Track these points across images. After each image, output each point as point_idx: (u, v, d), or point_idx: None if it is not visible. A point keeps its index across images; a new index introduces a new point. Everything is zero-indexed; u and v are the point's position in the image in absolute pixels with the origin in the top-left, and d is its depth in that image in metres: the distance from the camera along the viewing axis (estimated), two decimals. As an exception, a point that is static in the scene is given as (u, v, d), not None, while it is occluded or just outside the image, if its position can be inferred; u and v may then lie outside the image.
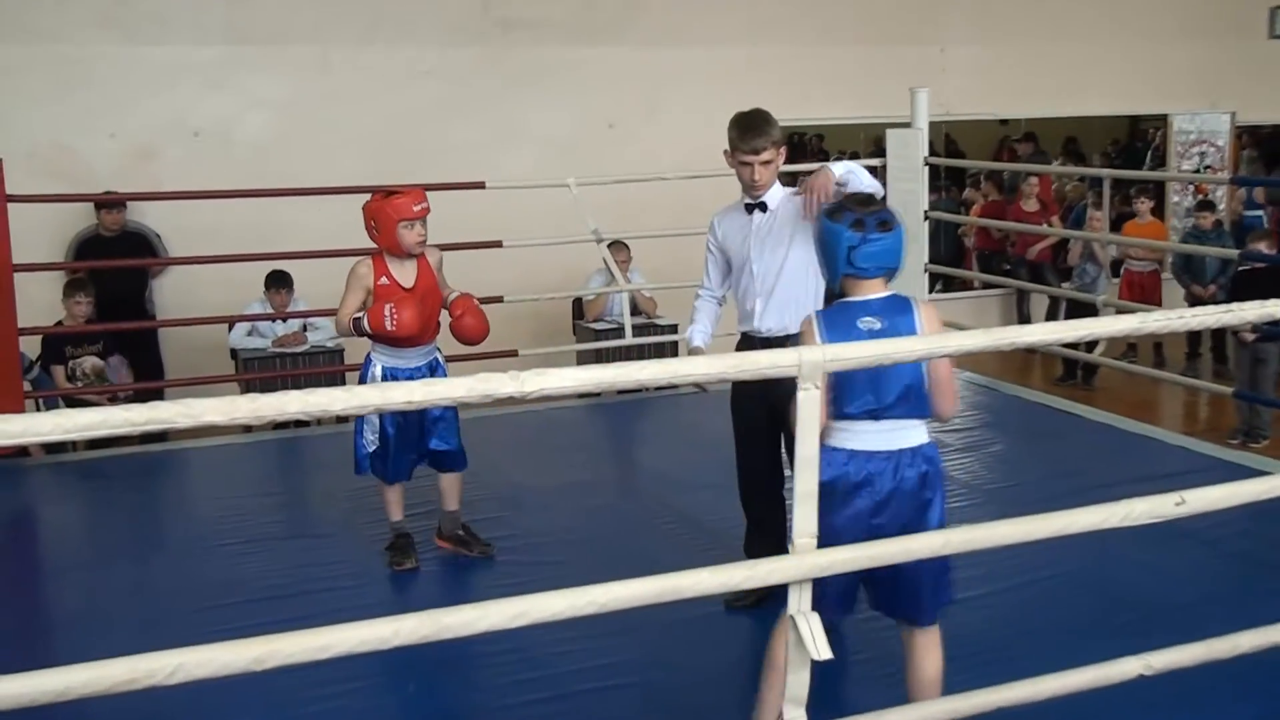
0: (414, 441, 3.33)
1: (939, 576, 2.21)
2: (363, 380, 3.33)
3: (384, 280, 3.22)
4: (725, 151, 3.04)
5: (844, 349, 1.86)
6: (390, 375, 3.24)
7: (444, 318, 3.40)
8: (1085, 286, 7.18)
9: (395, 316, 3.09)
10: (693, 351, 3.13)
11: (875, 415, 2.15)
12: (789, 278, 2.97)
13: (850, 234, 2.16)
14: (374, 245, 3.29)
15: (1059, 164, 10.18)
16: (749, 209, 3.04)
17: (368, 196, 3.33)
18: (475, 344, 3.40)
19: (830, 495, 2.09)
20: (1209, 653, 2.20)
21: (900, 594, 2.23)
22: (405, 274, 3.25)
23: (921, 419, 2.21)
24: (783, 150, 3.02)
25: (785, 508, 3.06)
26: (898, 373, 2.14)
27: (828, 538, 1.91)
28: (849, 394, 2.16)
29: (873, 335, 2.13)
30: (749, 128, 2.99)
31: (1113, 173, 6.14)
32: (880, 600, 2.30)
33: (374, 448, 3.31)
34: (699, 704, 2.61)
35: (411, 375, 3.22)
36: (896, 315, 2.17)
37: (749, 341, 3.05)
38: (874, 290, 2.20)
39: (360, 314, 3.18)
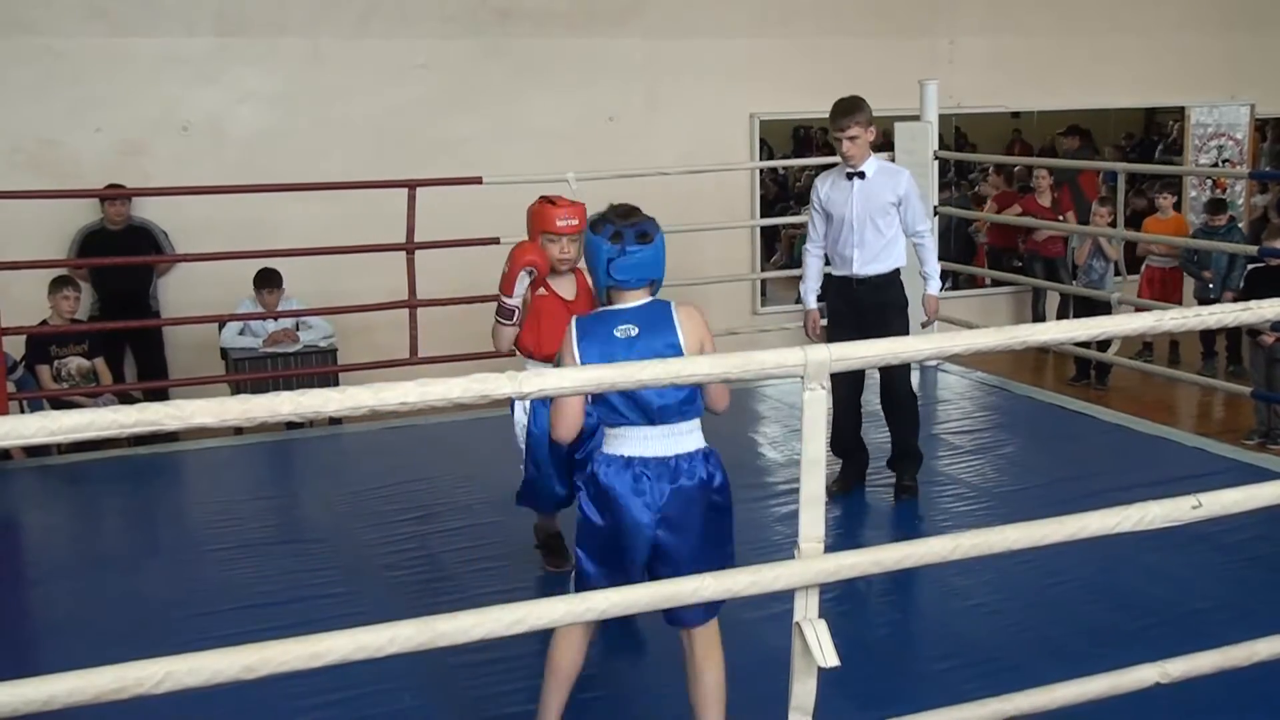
0: (564, 467, 3.06)
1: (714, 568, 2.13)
2: (512, 407, 3.09)
3: (542, 291, 3.04)
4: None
5: (851, 348, 1.82)
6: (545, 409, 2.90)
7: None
8: (1093, 284, 7.10)
9: (510, 261, 2.92)
10: (808, 313, 4.04)
11: (651, 420, 2.14)
12: (880, 231, 3.78)
13: (609, 247, 2.20)
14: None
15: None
16: (849, 176, 3.81)
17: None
18: None
19: (608, 501, 2.15)
20: (1226, 660, 2.15)
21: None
22: (564, 287, 3.07)
23: (696, 422, 2.20)
24: (871, 129, 3.78)
25: (865, 447, 4.00)
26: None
27: (608, 544, 2.12)
28: (620, 399, 2.13)
29: (629, 342, 2.16)
30: (836, 111, 3.78)
31: (1128, 166, 6.07)
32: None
33: (529, 475, 3.11)
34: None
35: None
36: (653, 320, 2.20)
37: (845, 283, 3.86)
38: (635, 299, 2.24)
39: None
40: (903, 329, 3.83)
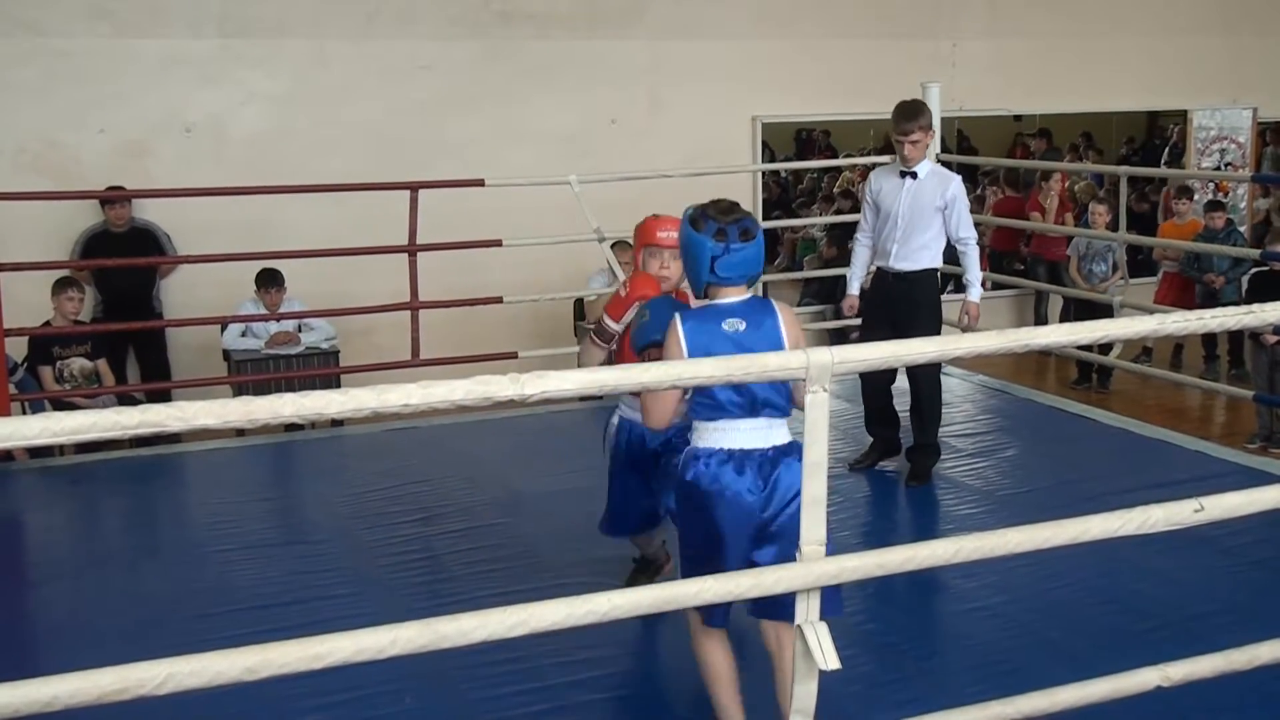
0: (642, 490, 2.93)
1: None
2: (605, 434, 3.03)
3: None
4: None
5: (852, 350, 1.82)
6: (627, 428, 2.90)
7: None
8: (1095, 288, 7.10)
9: (627, 286, 2.79)
10: (847, 296, 4.28)
11: (755, 413, 2.20)
12: (921, 231, 3.94)
13: (713, 244, 2.22)
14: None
15: (1069, 161, 10.07)
16: (903, 175, 4.00)
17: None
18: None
19: (710, 496, 2.18)
20: (1228, 664, 2.15)
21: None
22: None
23: (785, 416, 2.25)
24: (930, 133, 4.03)
25: (898, 425, 4.17)
26: None
27: (711, 543, 2.15)
28: (727, 393, 2.18)
29: (737, 336, 2.20)
30: (901, 115, 3.94)
31: (1129, 170, 6.06)
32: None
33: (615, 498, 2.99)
34: (703, 714, 2.57)
35: (647, 435, 2.80)
36: (760, 317, 2.24)
37: (882, 275, 4.06)
38: (735, 294, 2.27)
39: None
40: (930, 327, 3.89)
